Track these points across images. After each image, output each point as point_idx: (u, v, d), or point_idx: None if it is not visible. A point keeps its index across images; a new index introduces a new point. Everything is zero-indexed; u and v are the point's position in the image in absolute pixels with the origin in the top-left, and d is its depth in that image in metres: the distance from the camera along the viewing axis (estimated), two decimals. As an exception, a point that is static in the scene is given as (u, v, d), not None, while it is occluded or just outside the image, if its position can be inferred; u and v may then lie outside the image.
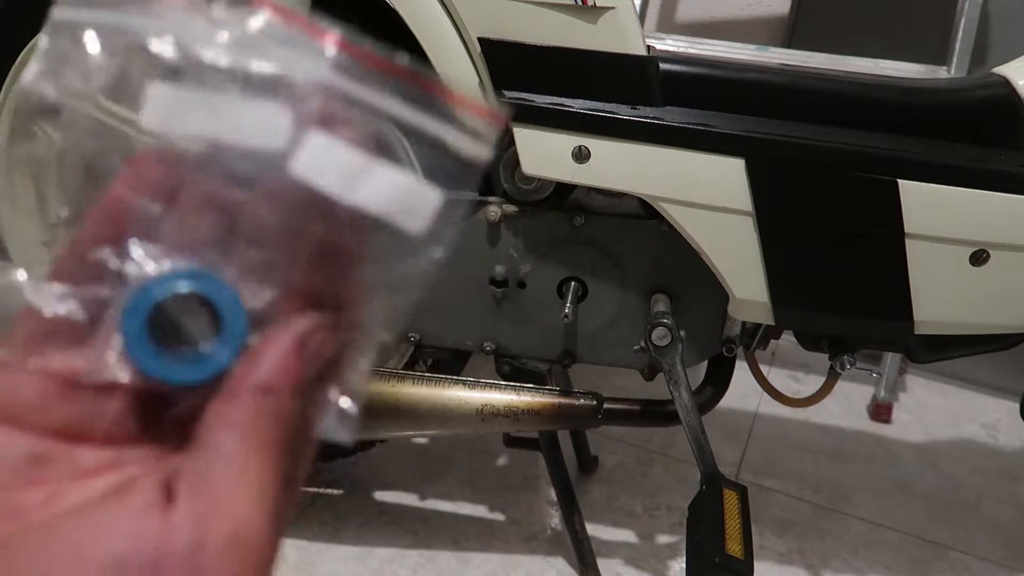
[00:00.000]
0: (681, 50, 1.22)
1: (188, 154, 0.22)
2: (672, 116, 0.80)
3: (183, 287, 0.21)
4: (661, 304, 0.89)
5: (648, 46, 0.81)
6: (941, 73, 1.28)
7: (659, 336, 0.87)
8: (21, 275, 0.22)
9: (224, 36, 0.22)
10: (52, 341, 0.22)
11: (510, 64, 0.80)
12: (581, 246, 0.91)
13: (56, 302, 0.21)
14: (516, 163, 0.84)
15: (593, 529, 1.11)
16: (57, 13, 0.22)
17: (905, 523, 1.22)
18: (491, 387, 0.92)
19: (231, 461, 0.20)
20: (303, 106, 0.22)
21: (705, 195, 0.81)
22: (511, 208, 0.89)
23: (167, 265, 0.21)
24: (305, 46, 0.22)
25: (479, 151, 0.23)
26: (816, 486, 1.28)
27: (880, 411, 1.47)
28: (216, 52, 0.22)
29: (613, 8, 0.77)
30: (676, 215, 0.82)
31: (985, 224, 0.79)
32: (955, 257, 0.80)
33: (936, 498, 1.28)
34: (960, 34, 1.31)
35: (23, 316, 0.22)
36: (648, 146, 0.80)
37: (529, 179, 0.86)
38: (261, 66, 0.22)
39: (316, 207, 0.22)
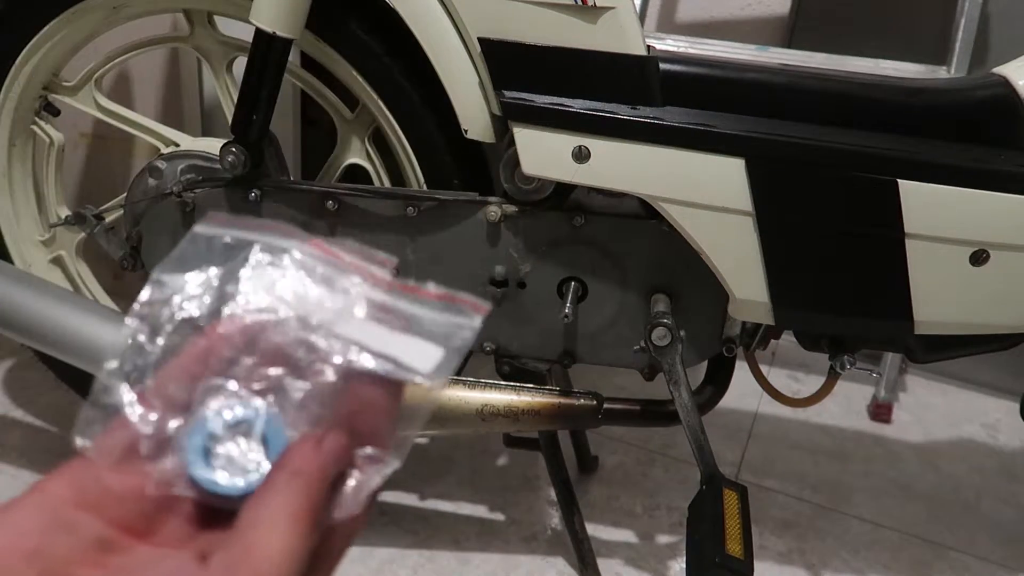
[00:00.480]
0: (681, 50, 1.22)
1: (268, 324, 0.28)
2: (672, 116, 0.80)
3: (234, 415, 0.27)
4: (661, 304, 0.89)
5: (648, 46, 0.81)
6: (941, 73, 1.28)
7: (659, 336, 0.87)
8: (127, 395, 0.27)
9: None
10: (133, 450, 0.26)
11: (510, 64, 0.80)
12: (581, 246, 0.91)
13: (146, 422, 0.27)
14: (516, 163, 0.84)
15: (593, 529, 1.11)
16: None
17: (905, 523, 1.22)
18: (491, 387, 0.92)
19: (261, 524, 0.24)
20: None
21: (705, 195, 0.81)
22: (511, 208, 0.89)
23: (221, 403, 0.27)
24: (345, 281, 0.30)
25: (470, 324, 0.29)
26: (816, 486, 1.28)
27: (880, 411, 1.47)
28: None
29: (613, 8, 0.77)
30: (676, 215, 0.82)
31: (985, 224, 0.79)
32: (955, 257, 0.80)
33: (936, 498, 1.28)
34: (960, 34, 1.31)
35: (116, 424, 0.26)
36: (648, 146, 0.80)
37: (529, 179, 0.86)
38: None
39: (362, 374, 0.27)
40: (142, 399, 0.27)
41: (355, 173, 1.04)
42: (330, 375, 0.27)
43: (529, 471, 1.23)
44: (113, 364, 0.27)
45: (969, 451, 1.42)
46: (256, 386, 0.27)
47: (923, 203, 0.79)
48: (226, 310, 0.28)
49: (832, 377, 0.95)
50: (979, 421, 1.51)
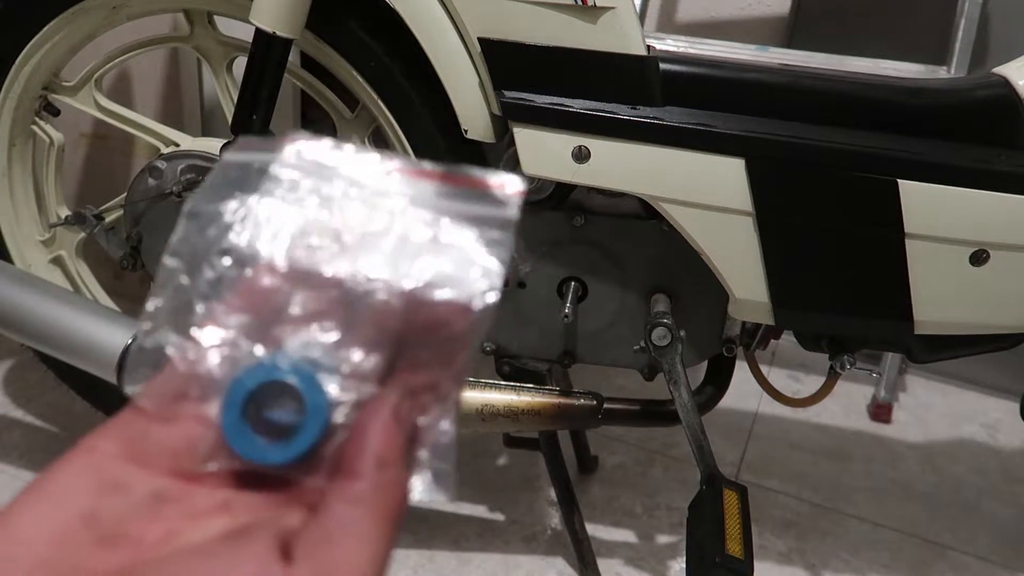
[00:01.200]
0: (681, 50, 1.22)
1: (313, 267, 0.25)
2: (672, 116, 0.80)
3: (272, 376, 0.24)
4: (661, 304, 0.89)
5: (648, 46, 0.81)
6: (941, 73, 1.28)
7: (659, 336, 0.87)
8: (172, 336, 0.25)
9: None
10: (181, 396, 0.25)
11: (510, 64, 0.80)
12: (581, 246, 0.91)
13: (193, 364, 0.25)
14: (516, 163, 0.84)
15: (593, 529, 1.11)
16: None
17: (905, 523, 1.22)
18: (491, 387, 0.92)
19: (352, 532, 0.22)
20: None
21: (705, 195, 0.81)
22: (511, 208, 0.89)
23: (264, 355, 0.25)
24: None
25: (509, 213, 0.26)
26: (816, 486, 1.28)
27: (880, 411, 1.47)
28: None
29: (613, 8, 0.77)
30: (676, 215, 0.82)
31: (985, 224, 0.79)
32: (955, 257, 0.80)
33: (936, 498, 1.28)
34: (960, 34, 1.31)
35: (164, 374, 0.25)
36: (648, 146, 0.80)
37: (529, 179, 0.86)
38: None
39: (412, 300, 0.25)
40: (188, 340, 0.25)
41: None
42: (379, 305, 0.25)
43: (529, 471, 1.23)
44: (155, 304, 0.25)
45: (969, 451, 1.41)
46: (301, 327, 0.25)
47: (923, 203, 0.79)
48: (266, 241, 0.25)
49: (832, 377, 0.95)
50: (979, 421, 1.51)
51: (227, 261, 0.25)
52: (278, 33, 0.84)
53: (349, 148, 0.27)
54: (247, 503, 0.24)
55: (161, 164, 0.99)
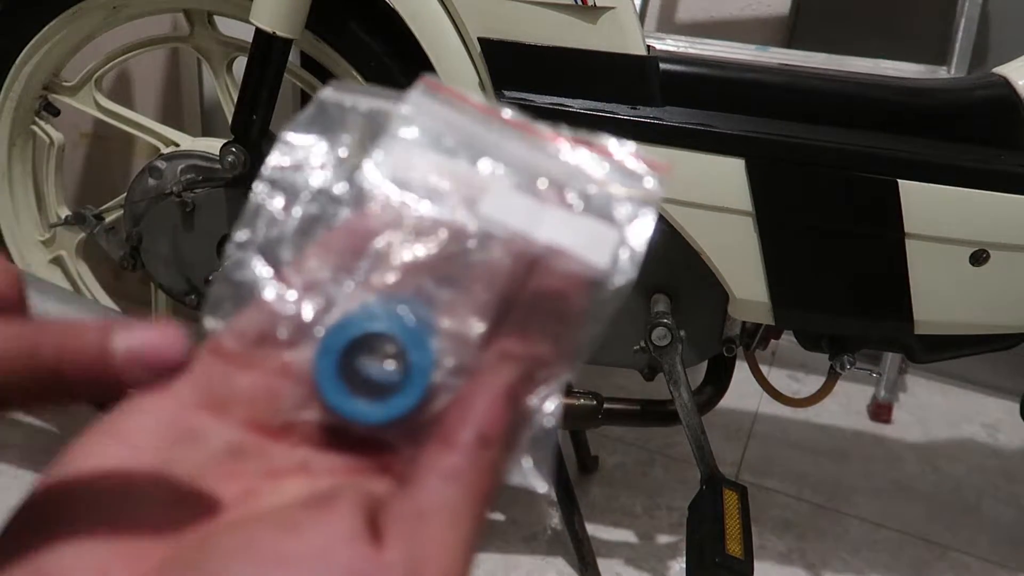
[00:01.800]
0: (681, 50, 1.22)
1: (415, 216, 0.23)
2: (672, 116, 0.80)
3: (374, 327, 0.21)
4: (661, 304, 0.89)
5: (648, 46, 0.81)
6: (941, 73, 1.28)
7: (659, 336, 0.87)
8: (263, 269, 0.22)
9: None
10: (266, 340, 0.22)
11: (510, 64, 0.80)
12: (581, 246, 0.91)
13: (285, 303, 0.22)
14: (516, 163, 0.84)
15: (593, 529, 1.11)
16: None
17: (905, 523, 1.22)
18: (491, 387, 0.92)
19: (446, 513, 0.20)
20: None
21: (705, 195, 0.81)
22: (511, 208, 0.89)
23: (365, 302, 0.22)
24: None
25: (649, 194, 0.24)
26: (816, 486, 1.28)
27: (880, 411, 1.47)
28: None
29: (613, 8, 0.77)
30: (676, 215, 0.82)
31: (985, 224, 0.79)
32: (955, 257, 0.80)
33: (936, 498, 1.28)
34: (960, 34, 1.31)
35: (251, 311, 0.22)
36: (648, 146, 0.80)
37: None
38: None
39: (524, 257, 0.22)
40: (279, 276, 0.22)
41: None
42: (497, 263, 0.22)
43: (529, 471, 1.23)
44: (244, 234, 0.23)
45: (969, 451, 1.41)
46: (408, 277, 0.22)
47: (923, 203, 0.79)
48: (368, 186, 0.23)
49: (832, 377, 0.95)
50: (979, 421, 1.51)
51: (333, 196, 0.23)
52: (278, 33, 0.84)
53: (479, 99, 0.25)
54: (327, 465, 0.21)
55: (161, 164, 0.99)
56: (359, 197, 0.23)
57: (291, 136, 0.24)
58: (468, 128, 0.24)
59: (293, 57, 0.95)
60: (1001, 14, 1.40)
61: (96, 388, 0.20)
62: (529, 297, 0.23)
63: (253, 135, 0.91)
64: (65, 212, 1.10)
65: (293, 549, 0.18)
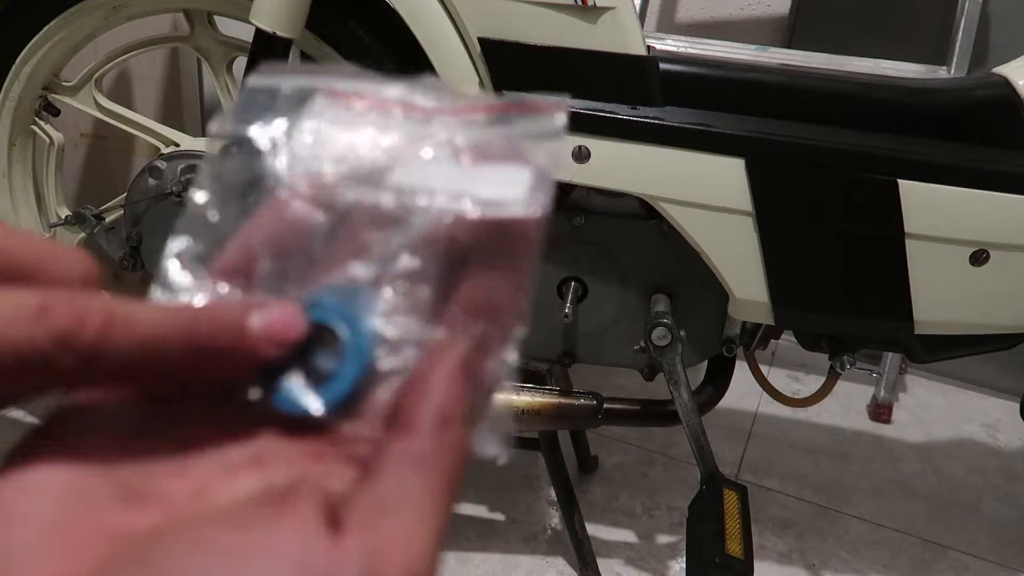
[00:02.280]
0: (681, 50, 1.22)
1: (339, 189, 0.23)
2: (672, 116, 0.80)
3: (311, 317, 0.21)
4: (661, 304, 0.89)
5: (648, 46, 0.81)
6: (941, 73, 1.28)
7: (659, 336, 0.87)
8: (192, 276, 0.22)
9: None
10: None
11: (510, 64, 0.80)
12: (581, 246, 0.91)
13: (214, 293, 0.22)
14: (516, 163, 0.84)
15: (593, 529, 1.11)
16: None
17: (905, 523, 1.22)
18: (491, 387, 0.92)
19: (409, 500, 0.19)
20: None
21: (705, 195, 0.81)
22: (511, 208, 0.89)
23: (299, 294, 0.22)
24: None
25: (552, 128, 0.24)
26: (816, 486, 1.28)
27: (880, 411, 1.47)
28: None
29: (613, 8, 0.77)
30: (676, 215, 0.82)
31: (985, 224, 0.79)
32: (955, 257, 0.80)
33: (936, 498, 1.28)
34: (960, 34, 1.31)
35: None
36: (648, 146, 0.80)
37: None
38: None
39: (460, 223, 0.22)
40: (211, 277, 0.22)
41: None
42: (425, 229, 0.22)
43: (529, 471, 1.23)
44: (179, 242, 0.22)
45: (969, 451, 1.41)
46: (337, 260, 0.22)
47: (923, 203, 0.79)
48: (298, 166, 0.23)
49: (832, 377, 0.95)
50: (979, 421, 1.51)
51: (252, 192, 0.23)
52: (278, 33, 0.84)
53: (378, 80, 0.25)
54: (282, 455, 0.21)
55: (161, 164, 0.99)
56: (286, 183, 0.23)
57: (220, 131, 0.24)
58: (365, 116, 0.24)
59: (293, 57, 0.95)
60: (1001, 14, 1.40)
61: (233, 364, 0.20)
62: (467, 255, 0.22)
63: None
64: (65, 212, 1.10)
65: (244, 543, 0.18)
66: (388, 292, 0.22)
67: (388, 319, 0.22)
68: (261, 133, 0.24)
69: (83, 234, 1.08)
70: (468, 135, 0.24)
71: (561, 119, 0.24)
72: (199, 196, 0.23)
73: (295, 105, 0.24)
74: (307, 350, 0.21)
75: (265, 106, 0.24)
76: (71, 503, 0.18)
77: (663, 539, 1.14)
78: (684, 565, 0.91)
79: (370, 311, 0.22)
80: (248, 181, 0.23)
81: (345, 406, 0.21)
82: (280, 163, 0.23)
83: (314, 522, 0.18)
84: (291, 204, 0.23)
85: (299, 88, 0.25)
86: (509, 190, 0.22)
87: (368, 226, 0.22)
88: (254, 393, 0.21)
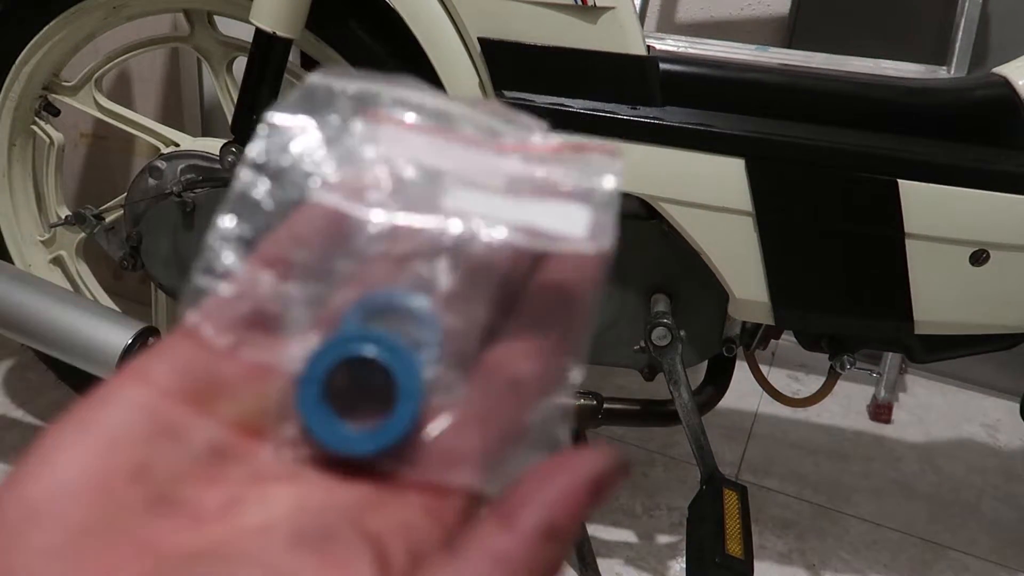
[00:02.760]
0: (681, 50, 1.22)
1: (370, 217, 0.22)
2: (672, 116, 0.80)
3: (357, 350, 0.20)
4: (661, 304, 0.89)
5: (648, 46, 0.81)
6: (941, 73, 1.28)
7: (659, 336, 0.87)
8: (235, 250, 0.21)
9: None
10: (249, 332, 0.20)
11: (510, 64, 0.80)
12: (581, 246, 0.91)
13: (267, 291, 0.21)
14: (516, 163, 0.84)
15: (593, 529, 1.11)
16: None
17: (905, 523, 1.22)
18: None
19: None
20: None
21: (705, 195, 0.81)
22: (511, 208, 0.89)
23: (349, 320, 0.21)
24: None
25: (609, 170, 0.23)
26: (816, 486, 1.28)
27: (880, 411, 1.47)
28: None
29: (613, 8, 0.77)
30: (676, 215, 0.82)
31: (985, 224, 0.79)
32: (955, 257, 0.80)
33: (936, 498, 1.28)
34: (960, 34, 1.31)
35: (233, 300, 0.20)
36: (648, 146, 0.80)
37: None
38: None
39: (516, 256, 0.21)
40: (261, 262, 0.21)
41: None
42: (485, 259, 0.21)
43: (529, 471, 1.23)
44: (228, 222, 0.21)
45: (969, 451, 1.41)
46: (382, 277, 0.21)
47: (923, 203, 0.79)
48: (343, 171, 0.22)
49: (832, 377, 0.95)
50: (979, 421, 1.51)
51: (305, 183, 0.22)
52: (278, 33, 0.84)
53: (442, 98, 0.24)
54: (317, 479, 0.19)
55: (161, 164, 0.99)
56: (318, 181, 0.22)
57: (276, 117, 0.23)
58: (420, 142, 0.23)
59: (293, 57, 0.95)
60: (1001, 14, 1.40)
61: None
62: (527, 290, 0.21)
63: (253, 135, 0.91)
64: (65, 212, 1.10)
65: None
66: (443, 320, 0.21)
67: (439, 354, 0.20)
68: (317, 126, 0.23)
69: (83, 234, 1.09)
70: (526, 167, 0.23)
71: (617, 166, 0.23)
72: (246, 174, 0.22)
73: (354, 108, 0.23)
74: (355, 381, 0.20)
75: (324, 103, 0.23)
76: (102, 507, 0.17)
77: (663, 539, 1.14)
78: (684, 565, 0.91)
79: (423, 343, 0.21)
80: (296, 170, 0.22)
81: (395, 447, 0.20)
82: (328, 163, 0.22)
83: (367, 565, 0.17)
84: (335, 204, 0.21)
85: (362, 92, 0.23)
86: (570, 225, 0.22)
87: (415, 245, 0.21)
88: (289, 430, 0.20)
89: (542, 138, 0.24)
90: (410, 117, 0.23)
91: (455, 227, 0.21)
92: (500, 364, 0.20)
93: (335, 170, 0.22)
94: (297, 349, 0.20)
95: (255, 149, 0.22)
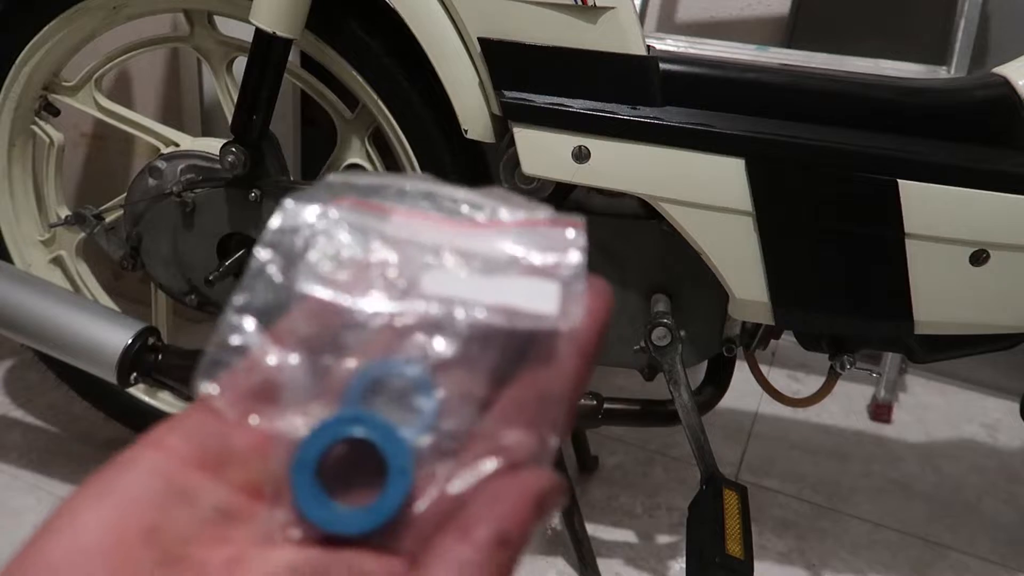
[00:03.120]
0: (681, 50, 1.22)
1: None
2: (672, 116, 0.80)
3: (348, 432, 0.21)
4: (661, 304, 0.89)
5: (648, 46, 0.81)
6: (941, 73, 1.28)
7: (659, 336, 0.87)
8: (250, 324, 0.22)
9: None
10: (260, 403, 0.22)
11: (510, 64, 0.80)
12: (581, 246, 0.91)
13: (281, 366, 0.22)
14: (516, 163, 0.84)
15: (593, 529, 1.11)
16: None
17: (905, 523, 1.22)
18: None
19: None
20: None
21: (705, 195, 0.81)
22: (511, 208, 0.89)
23: (343, 402, 0.22)
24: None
25: (572, 244, 0.25)
26: (816, 486, 1.28)
27: (880, 411, 1.47)
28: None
29: (613, 8, 0.77)
30: (676, 215, 0.82)
31: (985, 224, 0.79)
32: (955, 257, 0.80)
33: (936, 498, 1.28)
34: (960, 34, 1.31)
35: (243, 367, 0.22)
36: (648, 146, 0.80)
37: (529, 179, 0.86)
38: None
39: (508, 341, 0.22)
40: (277, 339, 0.22)
41: (355, 173, 1.04)
42: (454, 344, 0.22)
43: (529, 471, 1.23)
44: (243, 298, 0.22)
45: (969, 451, 1.42)
46: (375, 365, 0.22)
47: (923, 203, 0.79)
48: (320, 268, 0.23)
49: (832, 377, 0.95)
50: (979, 421, 1.51)
51: (317, 267, 0.23)
52: (278, 33, 0.84)
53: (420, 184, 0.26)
54: (319, 533, 0.21)
55: (161, 164, 0.99)
56: (304, 278, 0.23)
57: (294, 203, 0.24)
58: (394, 228, 0.24)
59: (293, 57, 0.95)
60: (1001, 14, 1.40)
61: None
62: (503, 368, 0.23)
63: (253, 135, 0.91)
64: (65, 212, 1.10)
65: None
66: (427, 403, 0.22)
67: (428, 433, 0.22)
68: (326, 212, 0.24)
69: (83, 234, 1.09)
70: (494, 247, 0.24)
71: (581, 236, 0.25)
72: (263, 253, 0.23)
73: (366, 197, 0.25)
74: (353, 457, 0.21)
75: (337, 192, 0.25)
76: (117, 568, 0.18)
77: (663, 539, 1.14)
78: (684, 565, 0.91)
79: (412, 424, 0.22)
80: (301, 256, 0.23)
81: (387, 524, 0.21)
82: (308, 262, 0.23)
83: None
84: (327, 298, 0.23)
85: (373, 185, 0.25)
86: (541, 303, 0.23)
87: (396, 333, 0.22)
88: (282, 516, 0.21)
89: (509, 214, 0.25)
90: (392, 204, 0.25)
91: (446, 308, 0.22)
92: (487, 434, 0.22)
93: (327, 261, 0.23)
94: (302, 419, 0.22)
95: (271, 229, 0.24)
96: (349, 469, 0.21)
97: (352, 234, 0.24)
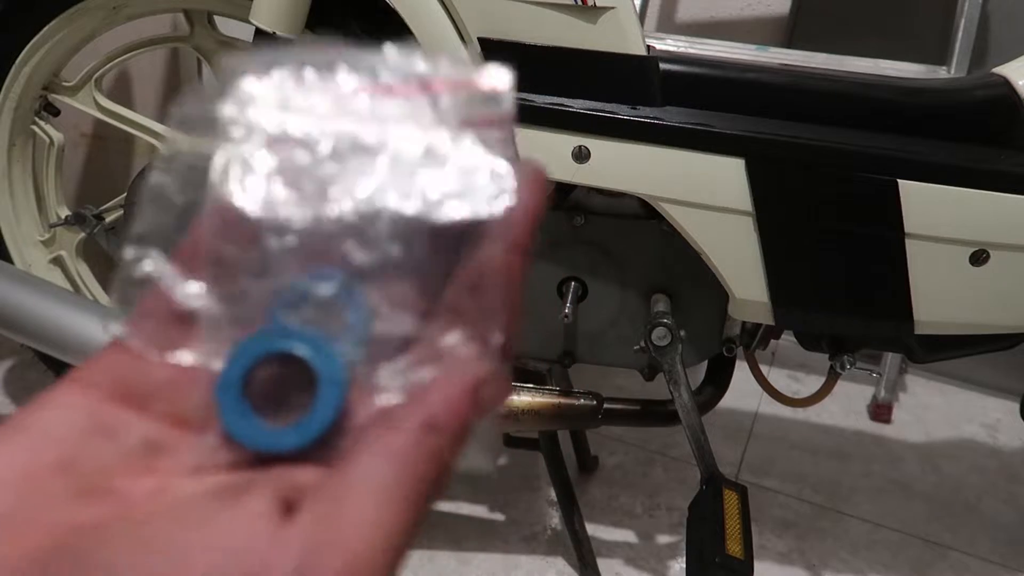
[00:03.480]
0: (681, 50, 1.22)
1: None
2: (672, 116, 0.80)
3: (274, 346, 0.20)
4: (661, 304, 0.89)
5: (648, 46, 0.81)
6: (941, 73, 1.28)
7: (659, 336, 0.87)
8: (152, 253, 0.21)
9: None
10: (174, 328, 0.21)
11: (510, 64, 0.80)
12: (581, 246, 0.91)
13: (189, 292, 0.21)
14: (516, 163, 0.84)
15: (593, 529, 1.11)
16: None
17: (905, 523, 1.22)
18: (491, 387, 0.92)
19: (373, 487, 0.18)
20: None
21: (705, 195, 0.81)
22: (511, 208, 0.89)
23: (263, 318, 0.21)
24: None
25: (505, 108, 0.23)
26: (816, 486, 1.28)
27: (880, 411, 1.47)
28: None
29: (613, 8, 0.77)
30: (676, 215, 0.82)
31: (985, 224, 0.79)
32: (955, 257, 0.80)
33: (936, 498, 1.28)
34: (960, 34, 1.31)
35: (152, 300, 0.21)
36: (648, 146, 0.80)
37: (529, 179, 0.86)
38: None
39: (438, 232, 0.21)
40: (183, 263, 0.21)
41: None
42: (385, 237, 0.21)
43: (529, 471, 1.23)
44: (142, 226, 0.21)
45: (969, 451, 1.41)
46: (295, 267, 0.21)
47: (923, 203, 0.79)
48: (239, 164, 0.21)
49: (832, 377, 0.95)
50: (979, 421, 1.51)
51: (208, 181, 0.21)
52: (278, 33, 0.84)
53: (309, 74, 0.23)
54: (251, 456, 0.20)
55: (161, 164, 0.98)
56: (217, 179, 0.21)
57: (186, 112, 0.23)
58: (306, 107, 0.23)
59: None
60: (1001, 14, 1.40)
61: None
62: (441, 266, 0.21)
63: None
64: (65, 212, 1.10)
65: (186, 537, 0.17)
66: (353, 312, 0.21)
67: (357, 343, 0.21)
68: (213, 116, 0.22)
69: (83, 234, 1.08)
70: (422, 122, 0.22)
71: (509, 102, 0.23)
72: (159, 178, 0.22)
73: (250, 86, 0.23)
74: (278, 380, 0.20)
75: (226, 91, 0.23)
76: (25, 497, 0.18)
77: (663, 539, 1.14)
78: (684, 565, 0.91)
79: (341, 335, 0.21)
80: (203, 168, 0.22)
81: (320, 438, 0.20)
82: (224, 158, 0.22)
83: (264, 511, 0.18)
84: (236, 204, 0.21)
85: (269, 63, 0.23)
86: (467, 191, 0.21)
87: (322, 231, 0.21)
88: (212, 440, 0.20)
89: (435, 75, 0.23)
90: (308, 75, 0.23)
91: (365, 208, 0.21)
92: (426, 339, 0.21)
93: (227, 169, 0.21)
94: (220, 346, 0.21)
95: (167, 148, 0.22)
96: (282, 391, 0.20)
97: (260, 138, 0.22)
